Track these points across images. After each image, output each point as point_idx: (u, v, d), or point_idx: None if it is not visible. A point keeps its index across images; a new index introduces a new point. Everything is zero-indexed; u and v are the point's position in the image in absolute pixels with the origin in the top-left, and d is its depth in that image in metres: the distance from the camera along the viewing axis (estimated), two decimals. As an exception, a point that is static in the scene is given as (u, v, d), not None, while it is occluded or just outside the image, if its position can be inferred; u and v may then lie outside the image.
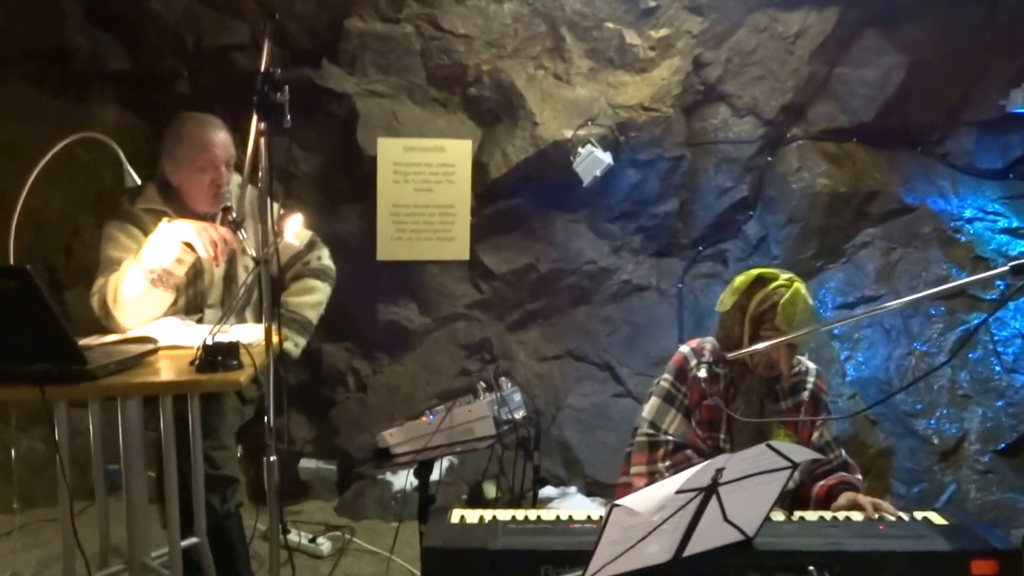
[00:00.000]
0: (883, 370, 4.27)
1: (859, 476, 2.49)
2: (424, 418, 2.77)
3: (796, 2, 4.15)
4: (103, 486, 2.50)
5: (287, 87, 2.24)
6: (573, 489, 4.17)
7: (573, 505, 4.02)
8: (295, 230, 2.46)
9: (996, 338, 4.32)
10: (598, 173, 3.93)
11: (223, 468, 2.63)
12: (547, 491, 4.03)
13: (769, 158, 4.46)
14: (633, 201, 4.39)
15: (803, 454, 1.85)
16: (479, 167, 4.06)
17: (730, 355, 2.37)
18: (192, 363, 2.21)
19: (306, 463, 4.13)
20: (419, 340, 4.23)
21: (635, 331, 4.55)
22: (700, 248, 4.62)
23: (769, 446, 1.76)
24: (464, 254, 4.11)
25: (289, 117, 2.24)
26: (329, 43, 4.00)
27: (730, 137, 4.41)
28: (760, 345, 2.33)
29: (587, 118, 4.02)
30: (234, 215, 2.77)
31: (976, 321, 4.34)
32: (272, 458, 2.23)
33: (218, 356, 2.14)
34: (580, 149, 3.96)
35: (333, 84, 3.99)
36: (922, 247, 4.42)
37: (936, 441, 4.11)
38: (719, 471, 1.70)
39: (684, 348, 2.58)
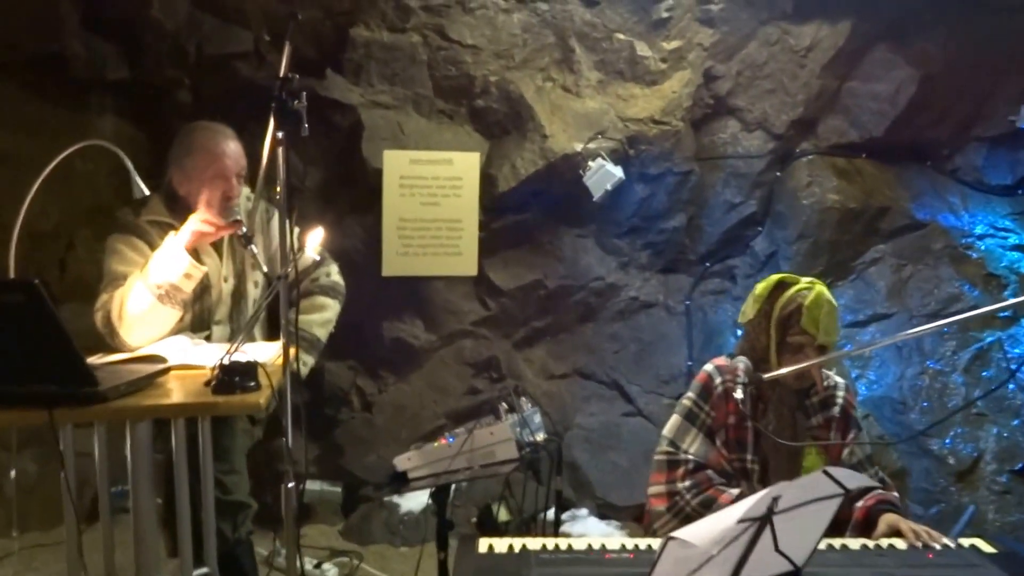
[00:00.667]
0: (896, 389, 4.20)
1: (895, 494, 2.40)
2: (443, 440, 2.66)
3: (808, 15, 4.10)
4: (108, 510, 2.37)
5: (304, 94, 2.15)
6: (584, 511, 4.07)
7: (586, 528, 3.92)
8: (316, 245, 2.36)
9: (1009, 356, 4.27)
10: (609, 187, 3.85)
11: (234, 493, 2.52)
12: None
13: (778, 173, 4.40)
14: (641, 216, 4.31)
15: (858, 480, 1.76)
16: (487, 180, 3.98)
17: (766, 376, 2.29)
18: (208, 384, 2.10)
19: (310, 485, 4.00)
20: (425, 358, 4.13)
21: (643, 348, 4.47)
22: (707, 264, 4.55)
23: (826, 472, 1.68)
24: (472, 270, 4.01)
25: (306, 126, 2.15)
26: (334, 52, 3.91)
27: (739, 152, 4.35)
28: (800, 365, 2.27)
29: (597, 131, 3.94)
30: (244, 229, 2.68)
31: (990, 339, 4.29)
32: (290, 484, 2.13)
33: (235, 377, 2.03)
34: (590, 163, 3.88)
35: (337, 95, 3.90)
36: (933, 264, 4.37)
37: (952, 461, 4.04)
38: (775, 499, 1.61)
39: (709, 367, 2.50)
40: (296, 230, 3.07)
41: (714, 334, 4.50)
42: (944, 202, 4.47)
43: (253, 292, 2.93)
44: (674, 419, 2.46)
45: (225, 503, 2.47)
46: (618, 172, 3.84)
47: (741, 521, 1.55)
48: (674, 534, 1.51)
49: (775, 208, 4.45)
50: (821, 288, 2.34)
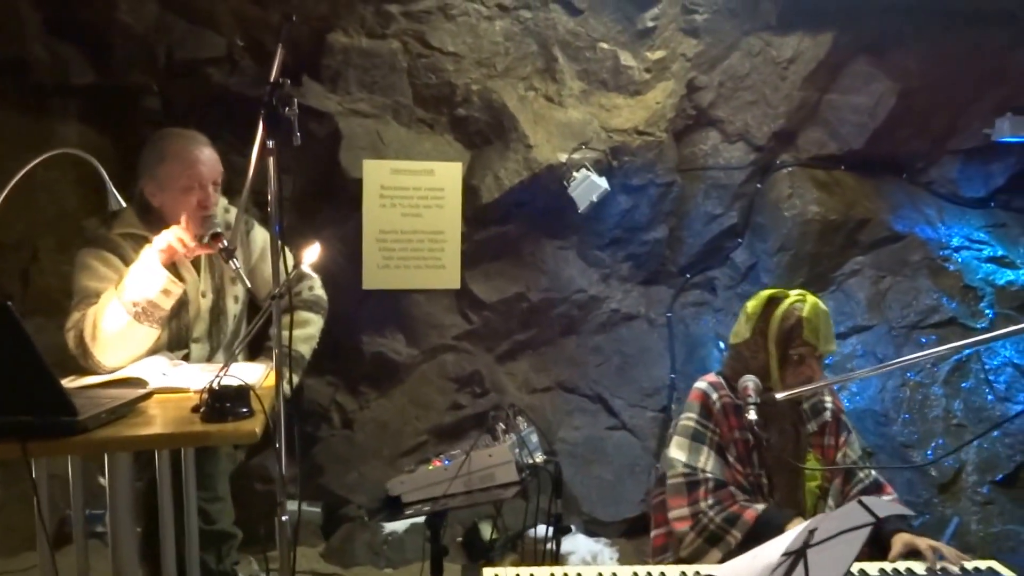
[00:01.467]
0: (878, 401, 4.20)
1: (894, 494, 2.43)
2: (436, 462, 2.57)
3: (790, 27, 4.08)
4: (84, 540, 2.24)
5: (296, 100, 2.04)
6: (571, 528, 3.98)
7: (575, 546, 3.84)
8: (312, 260, 2.24)
9: (987, 367, 4.29)
10: (595, 199, 3.78)
11: (218, 523, 2.39)
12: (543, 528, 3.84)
13: (759, 185, 4.38)
14: (624, 228, 4.25)
15: (889, 508, 1.71)
16: (470, 191, 3.88)
17: (779, 395, 2.25)
18: (195, 410, 1.97)
19: (289, 506, 3.85)
20: (407, 373, 4.02)
21: (626, 361, 4.41)
22: (688, 276, 4.51)
23: (860, 502, 1.62)
24: (455, 283, 3.91)
25: (299, 134, 2.04)
26: (310, 59, 3.79)
27: (720, 163, 4.32)
28: (821, 383, 2.28)
29: (580, 141, 3.88)
30: (225, 243, 2.54)
31: (967, 351, 4.30)
32: (284, 517, 2.02)
33: (226, 403, 1.91)
34: (575, 173, 3.81)
35: (314, 102, 3.77)
36: (911, 275, 4.38)
37: (934, 473, 4.05)
38: (811, 532, 1.56)
39: (702, 384, 2.47)
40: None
41: (696, 347, 4.46)
42: (921, 214, 4.48)
43: (233, 308, 2.80)
44: (680, 441, 2.40)
45: (209, 533, 2.35)
46: (603, 183, 3.78)
47: (784, 555, 1.50)
48: (710, 572, 1.44)
49: (755, 220, 4.43)
50: (813, 299, 2.35)
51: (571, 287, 4.22)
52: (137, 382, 2.17)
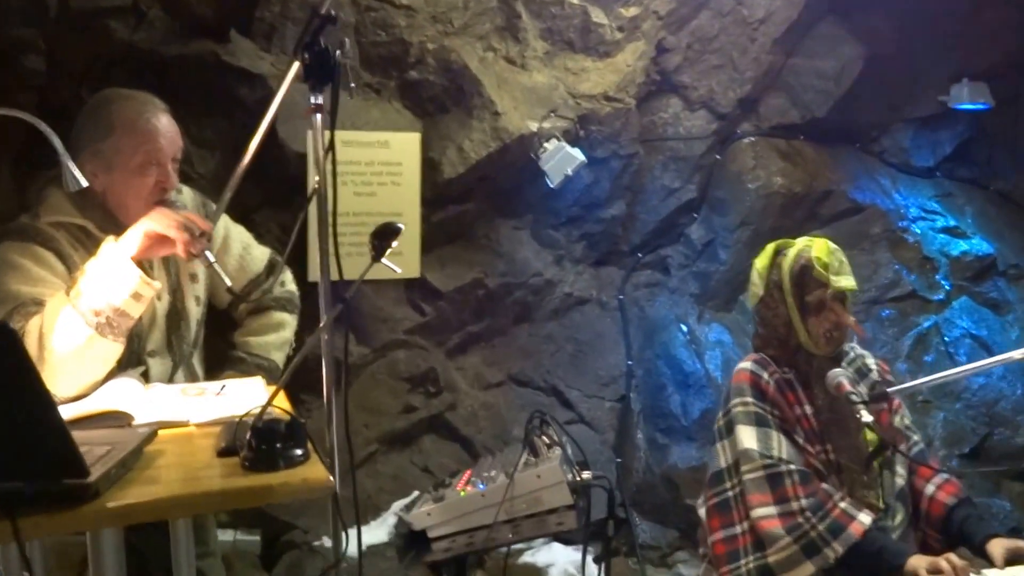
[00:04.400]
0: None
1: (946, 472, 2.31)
2: (464, 486, 2.13)
3: (763, -16, 3.81)
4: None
5: (347, 42, 1.58)
6: (539, 540, 3.61)
7: (552, 557, 3.47)
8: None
9: (947, 339, 4.23)
10: (570, 172, 3.41)
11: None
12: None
13: (717, 156, 4.12)
14: (582, 205, 3.90)
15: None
16: (428, 166, 3.41)
17: (891, 390, 2.03)
18: (224, 454, 1.46)
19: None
20: (354, 375, 3.51)
21: (579, 349, 4.08)
22: (640, 255, 4.21)
23: None
24: (414, 271, 3.44)
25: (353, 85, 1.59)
26: (239, 10, 3.19)
27: (680, 133, 4.03)
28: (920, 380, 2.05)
29: (548, 109, 3.48)
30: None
31: (927, 324, 4.23)
32: None
33: (275, 443, 1.40)
34: (546, 145, 3.41)
35: (245, 62, 3.19)
36: (870, 249, 4.26)
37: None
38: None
39: (745, 364, 2.24)
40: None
41: (654, 331, 4.16)
42: (877, 185, 4.37)
43: (195, 311, 2.26)
44: (745, 430, 2.16)
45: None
46: (579, 155, 3.41)
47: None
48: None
49: (713, 194, 4.18)
50: (822, 239, 2.25)
51: (527, 271, 3.84)
52: (118, 417, 1.62)
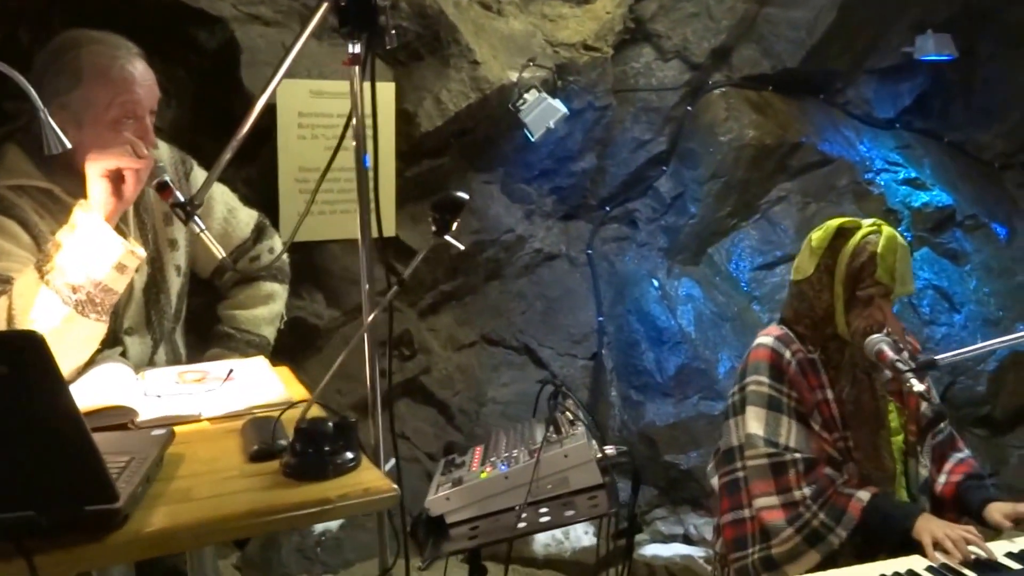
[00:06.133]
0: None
1: (966, 451, 2.23)
2: (481, 466, 2.01)
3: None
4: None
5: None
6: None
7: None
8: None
9: (920, 310, 4.26)
10: (551, 124, 3.27)
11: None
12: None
13: (689, 107, 4.02)
14: (555, 158, 3.76)
15: None
16: (404, 118, 3.21)
17: (940, 357, 1.95)
18: (257, 458, 1.30)
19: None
20: (326, 339, 3.35)
21: (549, 306, 3.98)
22: (607, 209, 4.11)
23: None
24: (390, 230, 3.25)
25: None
26: (194, -55, 2.92)
27: (652, 84, 3.92)
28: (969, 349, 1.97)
29: (527, 58, 3.31)
30: (180, 196, 1.80)
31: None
32: None
33: (324, 447, 1.25)
34: (526, 95, 3.25)
35: (204, 3, 2.92)
36: (837, 200, 4.24)
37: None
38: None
39: (768, 340, 2.13)
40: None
41: (626, 285, 4.08)
42: (843, 136, 4.34)
43: (176, 282, 2.06)
44: (754, 411, 2.07)
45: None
46: (562, 107, 3.26)
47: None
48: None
49: (684, 146, 4.09)
50: (890, 230, 2.07)
51: (500, 227, 3.70)
52: (121, 413, 1.43)
